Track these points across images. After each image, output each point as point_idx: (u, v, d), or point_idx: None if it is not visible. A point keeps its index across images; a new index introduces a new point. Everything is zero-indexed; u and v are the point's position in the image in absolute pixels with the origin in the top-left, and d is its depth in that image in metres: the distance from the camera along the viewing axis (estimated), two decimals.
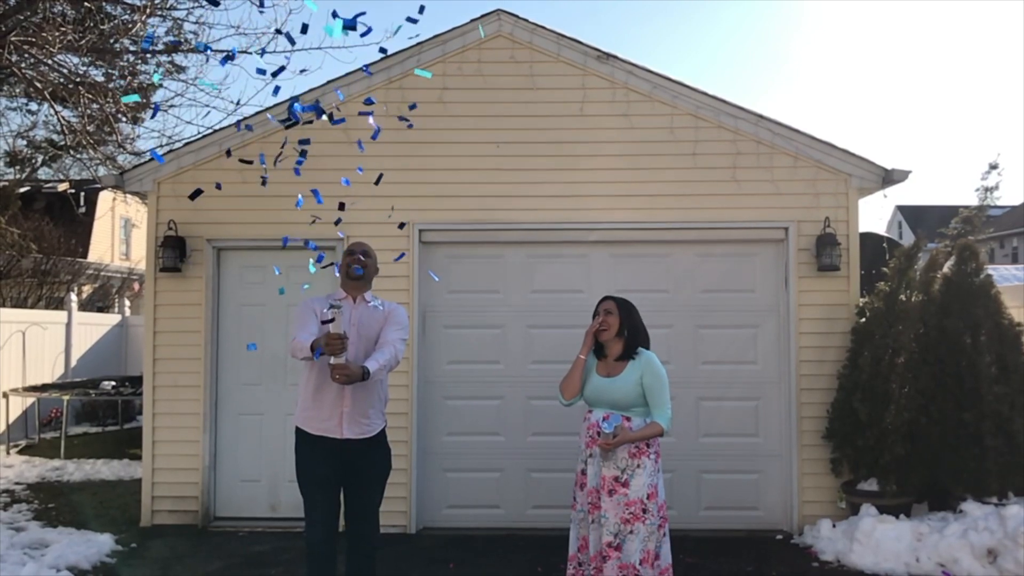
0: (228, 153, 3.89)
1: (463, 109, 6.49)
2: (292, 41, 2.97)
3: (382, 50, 3.30)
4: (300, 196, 3.66)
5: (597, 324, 4.16)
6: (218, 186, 4.48)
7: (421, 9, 3.13)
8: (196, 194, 3.55)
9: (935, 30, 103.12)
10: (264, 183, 3.60)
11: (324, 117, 2.99)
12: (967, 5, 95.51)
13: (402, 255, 4.66)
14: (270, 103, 6.46)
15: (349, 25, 2.84)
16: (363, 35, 2.97)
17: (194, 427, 6.49)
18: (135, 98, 4.09)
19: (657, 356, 4.16)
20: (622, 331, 4.14)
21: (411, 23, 3.10)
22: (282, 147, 3.40)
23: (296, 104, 3.05)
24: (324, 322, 3.72)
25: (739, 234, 6.49)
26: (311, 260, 3.58)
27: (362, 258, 4.14)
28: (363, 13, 2.85)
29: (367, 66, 5.54)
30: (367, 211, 4.74)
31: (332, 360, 3.66)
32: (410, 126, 4.05)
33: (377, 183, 4.05)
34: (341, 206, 3.77)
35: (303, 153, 3.20)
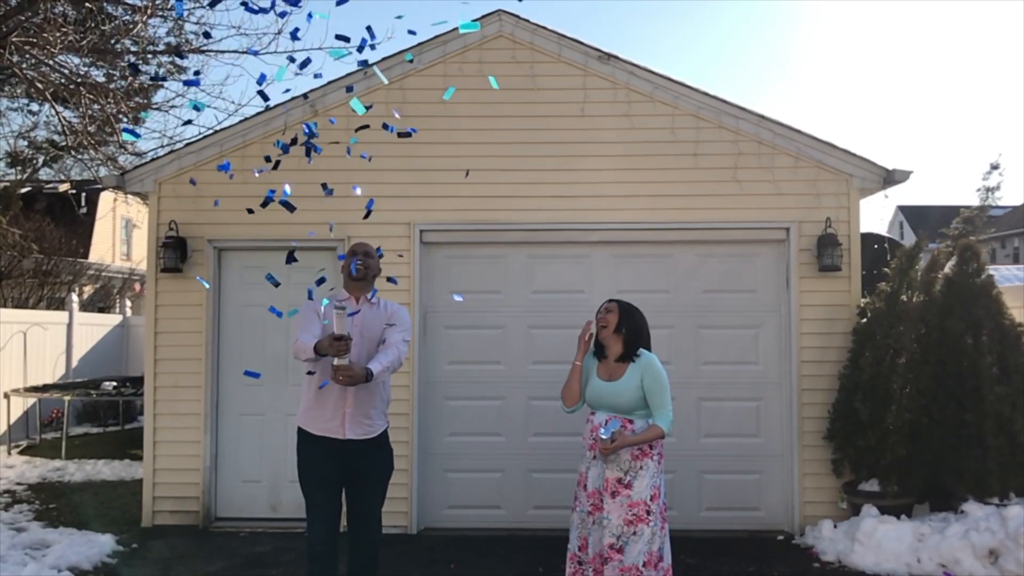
0: (227, 168, 3.79)
1: (464, 110, 6.48)
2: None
3: (362, 62, 3.25)
4: (294, 256, 3.69)
5: (590, 325, 4.16)
6: (216, 203, 4.51)
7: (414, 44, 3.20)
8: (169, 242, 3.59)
9: (936, 30, 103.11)
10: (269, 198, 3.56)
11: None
12: (968, 5, 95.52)
13: (392, 280, 4.68)
14: (271, 103, 6.45)
15: (345, 39, 2.90)
16: (363, 64, 3.07)
17: (195, 427, 6.49)
18: (135, 135, 4.15)
19: (658, 357, 4.15)
20: (620, 327, 4.10)
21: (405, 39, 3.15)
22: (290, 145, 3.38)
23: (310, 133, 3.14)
24: (337, 337, 3.69)
25: (740, 234, 6.49)
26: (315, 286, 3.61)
27: (364, 259, 4.14)
28: (371, 41, 2.90)
29: (350, 87, 5.57)
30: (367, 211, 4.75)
31: (336, 361, 3.66)
32: (403, 133, 4.02)
33: (367, 217, 4.08)
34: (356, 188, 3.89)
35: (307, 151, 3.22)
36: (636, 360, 4.07)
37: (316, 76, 3.31)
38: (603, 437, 3.88)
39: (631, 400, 4.00)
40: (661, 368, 4.06)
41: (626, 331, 4.11)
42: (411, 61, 6.07)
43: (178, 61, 11.08)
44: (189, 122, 7.31)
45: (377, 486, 4.13)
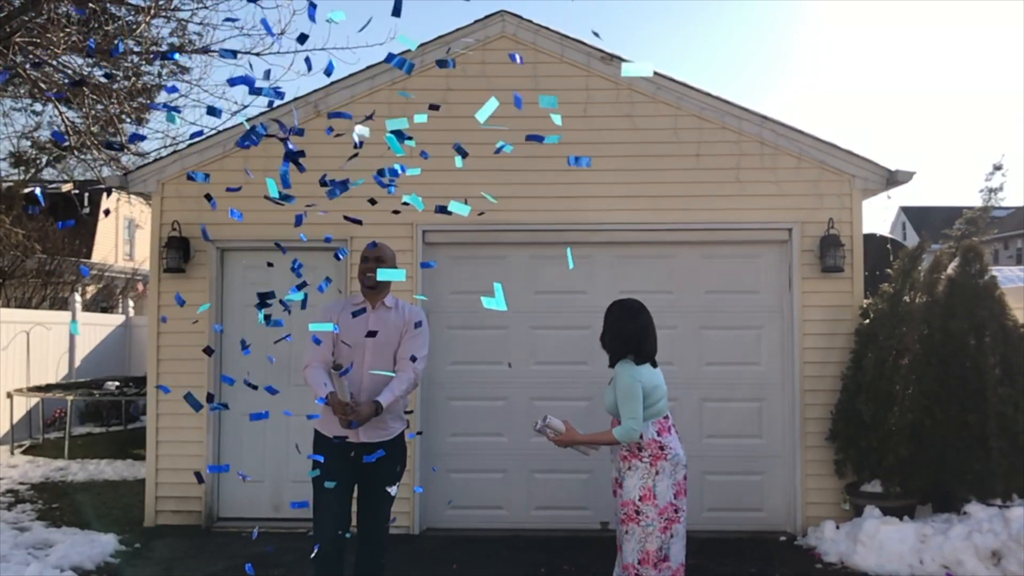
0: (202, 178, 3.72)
1: (466, 110, 6.45)
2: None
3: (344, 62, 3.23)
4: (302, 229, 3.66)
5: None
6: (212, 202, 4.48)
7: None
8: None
9: (938, 30, 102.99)
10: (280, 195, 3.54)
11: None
12: (970, 5, 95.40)
13: (429, 264, 4.68)
14: (275, 104, 6.47)
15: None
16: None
17: (198, 427, 6.50)
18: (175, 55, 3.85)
19: (660, 358, 4.11)
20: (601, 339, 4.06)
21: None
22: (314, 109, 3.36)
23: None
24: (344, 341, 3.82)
25: (743, 235, 6.48)
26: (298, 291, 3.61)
27: (375, 264, 4.14)
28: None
29: (341, 112, 5.53)
30: (369, 212, 4.74)
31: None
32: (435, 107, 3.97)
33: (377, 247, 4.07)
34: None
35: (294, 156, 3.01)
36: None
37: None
38: (536, 428, 3.94)
39: (610, 405, 3.95)
40: (626, 377, 3.85)
41: (602, 340, 4.05)
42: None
43: (181, 62, 11.07)
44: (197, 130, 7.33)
45: (388, 484, 4.13)
